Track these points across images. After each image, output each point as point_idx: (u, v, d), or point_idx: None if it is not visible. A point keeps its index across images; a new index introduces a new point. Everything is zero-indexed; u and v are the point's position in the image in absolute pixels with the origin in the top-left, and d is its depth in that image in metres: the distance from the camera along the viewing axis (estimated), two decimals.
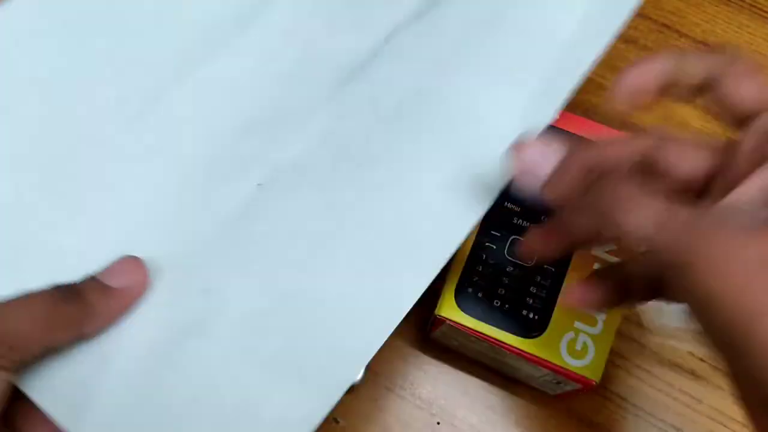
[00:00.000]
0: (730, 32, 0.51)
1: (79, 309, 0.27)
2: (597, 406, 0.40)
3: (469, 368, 0.41)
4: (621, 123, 0.48)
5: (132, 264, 0.29)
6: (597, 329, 0.35)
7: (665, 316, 0.41)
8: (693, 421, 0.40)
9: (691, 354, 0.42)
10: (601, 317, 0.35)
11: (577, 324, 0.35)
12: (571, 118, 0.40)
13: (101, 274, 0.28)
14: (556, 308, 0.36)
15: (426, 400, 0.40)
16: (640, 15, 0.51)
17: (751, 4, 0.52)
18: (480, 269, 0.36)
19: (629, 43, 0.50)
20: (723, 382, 0.41)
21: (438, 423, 0.40)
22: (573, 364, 0.34)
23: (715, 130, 0.48)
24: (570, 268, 0.36)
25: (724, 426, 0.40)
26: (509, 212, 0.38)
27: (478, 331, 0.35)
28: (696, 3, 0.52)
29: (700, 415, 0.40)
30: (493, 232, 0.37)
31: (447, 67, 0.34)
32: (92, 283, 0.28)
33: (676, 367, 0.41)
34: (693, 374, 0.41)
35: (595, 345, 0.35)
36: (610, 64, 0.49)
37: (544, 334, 0.35)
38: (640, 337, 0.42)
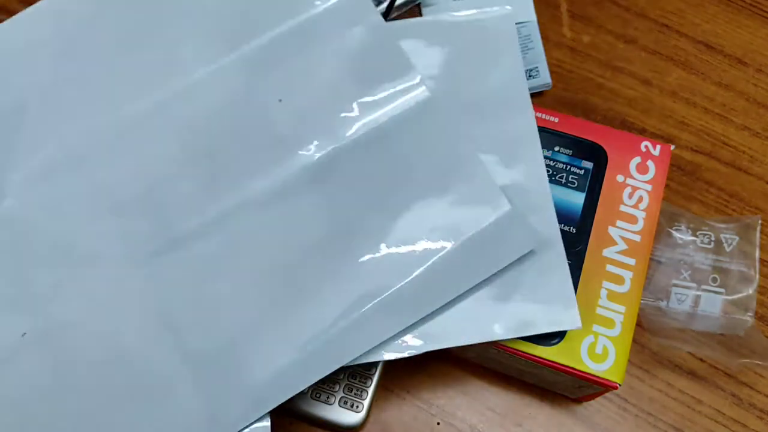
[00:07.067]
0: (730, 32, 0.51)
1: None
2: (597, 406, 0.40)
3: (469, 368, 0.41)
4: (621, 123, 0.48)
5: None
6: (615, 331, 0.35)
7: (665, 316, 0.41)
8: (693, 421, 0.40)
9: (691, 354, 0.42)
10: (618, 318, 0.35)
11: (596, 327, 0.35)
12: (571, 119, 0.39)
13: None
14: None
15: (426, 400, 0.40)
16: (640, 15, 0.51)
17: (751, 4, 0.52)
18: None
19: (629, 43, 0.50)
20: (723, 382, 0.41)
21: (438, 423, 0.40)
22: (595, 368, 0.34)
23: (715, 130, 0.48)
24: (583, 272, 0.36)
25: (724, 426, 0.40)
26: None
27: (497, 343, 0.35)
28: (696, 3, 0.52)
29: (700, 415, 0.40)
30: None
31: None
32: None
33: (676, 367, 0.41)
34: (693, 374, 0.41)
35: (615, 347, 0.35)
36: (611, 64, 0.49)
37: (564, 341, 0.35)
38: (640, 337, 0.42)
